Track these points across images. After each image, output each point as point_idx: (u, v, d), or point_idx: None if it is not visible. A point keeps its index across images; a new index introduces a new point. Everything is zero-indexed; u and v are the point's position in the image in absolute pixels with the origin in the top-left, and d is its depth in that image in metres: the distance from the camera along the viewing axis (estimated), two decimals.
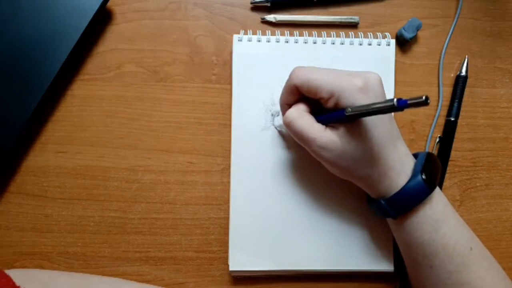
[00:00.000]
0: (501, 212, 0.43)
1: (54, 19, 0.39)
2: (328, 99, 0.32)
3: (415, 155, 0.36)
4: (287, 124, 0.35)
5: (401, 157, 0.34)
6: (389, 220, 0.37)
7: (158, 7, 0.42)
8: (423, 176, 0.33)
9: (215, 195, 0.41)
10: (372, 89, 0.32)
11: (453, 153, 0.43)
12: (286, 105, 0.36)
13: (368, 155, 0.33)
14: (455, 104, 0.42)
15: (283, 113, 0.37)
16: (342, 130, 0.33)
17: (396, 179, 0.34)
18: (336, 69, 0.34)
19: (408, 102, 0.26)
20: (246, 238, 0.39)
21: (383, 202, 0.34)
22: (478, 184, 0.43)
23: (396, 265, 0.40)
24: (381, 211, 0.35)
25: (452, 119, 0.42)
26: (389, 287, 0.41)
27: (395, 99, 0.27)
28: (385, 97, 0.34)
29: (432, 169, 0.34)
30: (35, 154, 0.40)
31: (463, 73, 0.43)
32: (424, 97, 0.25)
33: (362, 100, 0.31)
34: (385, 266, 0.40)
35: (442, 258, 0.33)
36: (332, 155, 0.33)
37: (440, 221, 0.34)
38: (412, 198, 0.33)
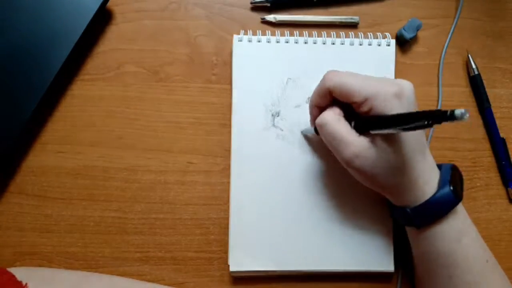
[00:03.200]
0: (501, 212, 0.43)
1: (54, 19, 0.39)
2: (361, 103, 0.32)
3: (439, 166, 0.36)
4: (321, 126, 0.34)
5: (429, 167, 0.34)
6: (410, 230, 0.37)
7: (158, 7, 0.42)
8: (451, 187, 0.33)
9: (215, 195, 0.41)
10: (406, 96, 0.32)
11: (453, 153, 0.43)
12: (316, 107, 0.36)
13: (401, 163, 0.32)
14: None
15: (313, 116, 0.36)
16: (377, 137, 0.32)
17: (424, 189, 0.33)
18: (369, 75, 0.34)
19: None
20: (246, 238, 0.39)
21: (408, 210, 0.34)
22: (478, 184, 0.43)
23: (396, 265, 0.40)
24: (405, 219, 0.35)
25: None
26: (389, 287, 0.41)
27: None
28: (417, 106, 0.33)
29: (458, 181, 0.35)
30: (35, 154, 0.40)
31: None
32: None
33: (396, 106, 0.31)
34: (385, 266, 0.40)
35: (462, 269, 0.34)
36: (365, 162, 0.32)
37: (462, 232, 0.34)
38: (439, 208, 0.33)
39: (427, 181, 0.34)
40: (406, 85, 0.32)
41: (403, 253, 0.41)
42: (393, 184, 0.34)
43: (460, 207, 0.34)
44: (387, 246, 0.40)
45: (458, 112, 0.23)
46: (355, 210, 0.40)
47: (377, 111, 0.31)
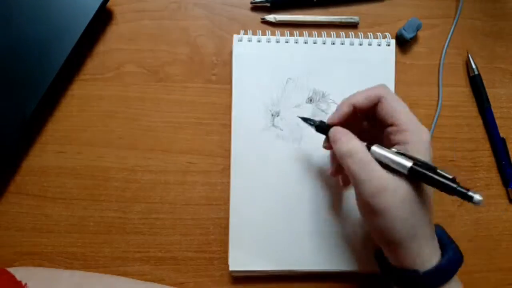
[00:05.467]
0: (501, 212, 0.43)
1: (54, 19, 0.39)
2: (398, 132, 0.32)
3: None
4: (350, 155, 0.31)
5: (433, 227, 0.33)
6: None
7: (158, 7, 0.42)
8: (454, 245, 0.32)
9: (215, 195, 0.41)
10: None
11: (453, 153, 0.43)
12: (350, 104, 0.34)
13: (425, 214, 0.31)
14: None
15: (341, 111, 0.34)
16: (405, 177, 0.30)
17: (432, 252, 0.31)
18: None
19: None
20: (246, 238, 0.39)
21: (420, 274, 0.31)
22: (478, 184, 0.43)
23: None
24: (408, 284, 0.32)
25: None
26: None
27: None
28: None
29: (454, 241, 0.33)
30: (35, 154, 0.40)
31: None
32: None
33: (428, 153, 0.31)
34: None
35: None
36: (391, 199, 0.30)
37: None
38: (447, 272, 0.31)
39: (434, 244, 0.32)
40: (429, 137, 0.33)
41: None
42: (410, 235, 0.31)
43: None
44: None
45: (477, 198, 0.27)
46: (355, 210, 0.40)
47: (410, 148, 0.31)
